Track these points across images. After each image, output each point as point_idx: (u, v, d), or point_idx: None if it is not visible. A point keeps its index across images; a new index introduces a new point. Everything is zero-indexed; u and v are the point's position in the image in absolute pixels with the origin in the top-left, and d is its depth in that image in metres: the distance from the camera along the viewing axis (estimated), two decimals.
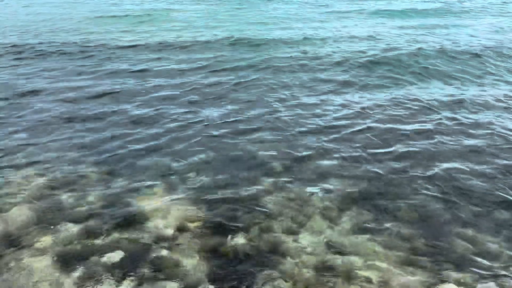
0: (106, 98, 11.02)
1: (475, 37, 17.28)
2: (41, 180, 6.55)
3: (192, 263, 4.86)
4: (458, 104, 10.23)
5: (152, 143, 8.08)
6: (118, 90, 11.48)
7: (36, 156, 7.34)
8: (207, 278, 4.62)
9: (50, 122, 9.04)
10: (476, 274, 4.76)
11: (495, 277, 4.73)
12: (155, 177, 6.77)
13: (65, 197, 6.10)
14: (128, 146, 7.94)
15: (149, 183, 6.58)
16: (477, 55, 14.22)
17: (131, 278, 4.58)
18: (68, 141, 8.10)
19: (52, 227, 5.41)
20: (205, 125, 9.08)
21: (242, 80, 12.15)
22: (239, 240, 5.29)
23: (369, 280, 4.62)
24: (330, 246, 5.22)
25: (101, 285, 4.46)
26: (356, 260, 4.96)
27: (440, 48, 14.97)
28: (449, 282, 4.62)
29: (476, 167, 7.22)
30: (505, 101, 10.47)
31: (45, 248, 5.01)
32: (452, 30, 18.92)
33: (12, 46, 14.79)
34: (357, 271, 4.77)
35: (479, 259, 5.01)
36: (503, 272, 4.80)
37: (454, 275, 4.74)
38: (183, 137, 8.39)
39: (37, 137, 8.24)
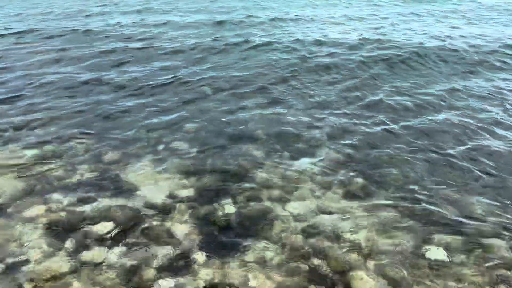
0: (93, 66, 10.91)
1: None
2: (30, 152, 6.51)
3: (182, 231, 4.90)
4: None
5: (141, 114, 8.05)
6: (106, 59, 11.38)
7: (23, 129, 7.29)
8: (197, 246, 4.66)
9: (35, 94, 8.95)
10: (462, 237, 4.86)
11: (480, 239, 4.83)
12: (145, 147, 6.77)
13: (54, 168, 6.08)
14: (117, 117, 7.90)
15: (138, 154, 6.57)
16: None
17: (122, 246, 4.60)
18: (55, 112, 8.03)
19: (42, 197, 5.41)
20: (195, 96, 9.03)
21: (238, 56, 12.09)
22: (229, 208, 5.32)
23: (356, 244, 4.70)
24: (318, 212, 5.27)
25: (92, 253, 4.49)
26: (344, 225, 5.03)
27: None
28: (435, 245, 4.72)
29: (463, 138, 7.33)
30: None
31: (36, 218, 5.00)
32: None
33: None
34: (344, 235, 4.84)
35: (465, 223, 5.11)
36: (489, 235, 4.91)
37: (440, 238, 4.83)
38: (172, 108, 8.35)
39: (23, 110, 8.16)
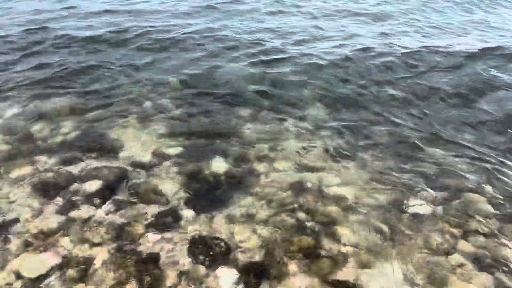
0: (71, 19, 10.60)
1: None
2: (13, 112, 6.43)
3: (170, 188, 4.94)
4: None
5: (127, 70, 7.91)
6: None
7: (6, 90, 7.16)
8: (185, 202, 4.71)
9: (17, 51, 8.74)
10: (445, 192, 4.99)
11: (462, 194, 4.97)
12: (130, 106, 6.69)
13: (39, 129, 6.03)
14: (101, 74, 7.77)
15: (123, 112, 6.52)
16: None
17: (110, 204, 4.62)
18: (38, 70, 7.88)
19: (28, 158, 5.39)
20: (181, 48, 8.90)
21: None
22: (216, 166, 5.36)
23: (341, 198, 4.80)
24: (305, 168, 5.34)
25: (80, 211, 4.53)
26: (330, 181, 5.11)
27: None
28: (418, 199, 4.85)
29: (452, 99, 7.40)
30: None
31: (23, 178, 4.99)
32: None
33: None
34: (330, 190, 4.93)
35: (447, 178, 5.23)
36: (470, 190, 5.05)
37: (424, 193, 4.97)
38: (158, 62, 8.23)
39: (5, 68, 7.99)
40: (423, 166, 5.45)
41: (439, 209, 4.72)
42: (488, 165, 5.47)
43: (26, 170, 5.18)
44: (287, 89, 7.39)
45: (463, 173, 5.32)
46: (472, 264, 4.00)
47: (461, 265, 3.98)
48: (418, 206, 4.73)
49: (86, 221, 4.39)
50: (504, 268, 3.96)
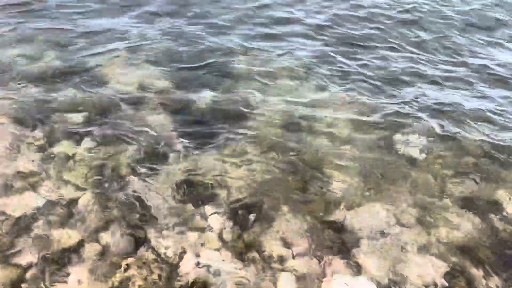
0: None
1: None
2: None
3: (158, 121, 4.72)
4: None
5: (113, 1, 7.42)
6: None
7: None
8: (173, 135, 4.53)
9: None
10: (439, 134, 4.88)
11: (456, 136, 4.90)
12: (116, 40, 6.23)
13: (20, 57, 5.67)
14: (87, 4, 7.28)
15: (108, 42, 6.12)
16: None
17: (93, 139, 4.39)
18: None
19: (5, 86, 5.10)
20: None
21: None
22: (206, 100, 5.15)
23: (333, 137, 4.68)
24: (296, 104, 5.14)
25: (62, 144, 4.33)
26: (322, 119, 4.95)
27: None
28: (412, 140, 4.76)
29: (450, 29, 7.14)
30: None
31: (2, 107, 4.76)
32: None
33: None
34: (322, 129, 4.78)
35: (443, 120, 5.12)
36: (464, 132, 4.97)
37: (417, 134, 4.85)
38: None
39: None
40: (419, 107, 5.32)
41: (432, 150, 4.64)
42: (484, 108, 5.37)
43: (4, 97, 4.90)
44: (281, 24, 7.04)
45: (459, 116, 5.21)
46: (461, 206, 3.99)
47: (450, 207, 3.97)
48: (410, 147, 4.64)
49: (68, 157, 4.17)
50: (494, 211, 3.96)
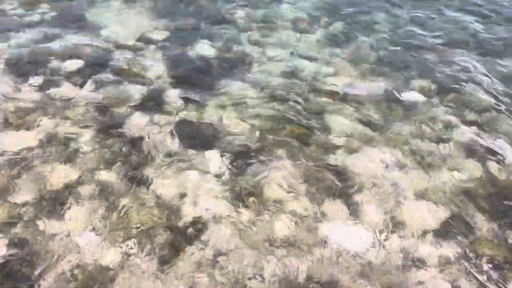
0: None
1: None
2: None
3: (155, 71, 4.62)
4: None
5: None
6: None
7: None
8: (171, 86, 4.45)
9: None
10: (439, 82, 4.82)
11: (460, 84, 4.81)
12: None
13: (13, 7, 5.55)
14: None
15: None
16: None
17: (92, 84, 4.31)
18: None
19: (2, 34, 5.00)
20: None
21: None
22: (205, 50, 5.03)
23: (334, 87, 4.60)
24: (298, 56, 5.03)
25: (61, 90, 4.27)
26: (323, 69, 4.84)
27: None
28: (412, 89, 4.69)
29: None
30: None
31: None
32: None
33: None
34: (323, 79, 4.70)
35: (443, 68, 5.02)
36: (464, 80, 4.89)
37: (418, 82, 4.79)
38: None
39: None
40: (421, 55, 5.22)
41: (435, 98, 4.57)
42: (489, 56, 5.26)
43: (2, 46, 4.81)
44: None
45: (462, 64, 5.11)
46: (462, 153, 3.96)
47: (450, 153, 3.93)
48: (413, 94, 4.56)
49: (67, 100, 4.15)
50: (493, 158, 3.93)
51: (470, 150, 3.98)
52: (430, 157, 3.88)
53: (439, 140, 4.06)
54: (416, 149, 3.95)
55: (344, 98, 4.51)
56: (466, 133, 4.17)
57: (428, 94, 4.63)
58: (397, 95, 4.57)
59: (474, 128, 4.23)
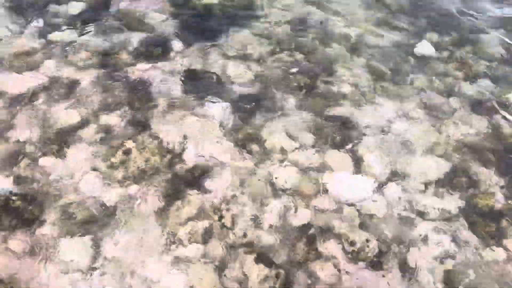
0: None
1: None
2: None
3: (158, 17, 4.51)
4: None
5: None
6: None
7: None
8: (175, 34, 4.31)
9: None
10: (452, 33, 4.69)
11: (471, 38, 4.68)
12: None
13: None
14: None
15: None
16: None
17: (94, 29, 4.21)
18: None
19: None
20: None
21: None
22: None
23: (345, 38, 4.45)
24: (308, 4, 4.90)
25: (62, 34, 4.16)
26: (333, 20, 4.72)
27: None
28: (426, 41, 4.54)
29: None
30: None
31: None
32: None
33: None
34: (334, 29, 4.56)
35: (457, 19, 4.89)
36: (481, 32, 4.74)
37: (432, 35, 4.64)
38: None
39: None
40: (435, 10, 5.05)
41: (445, 52, 4.46)
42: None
43: None
44: None
45: (481, 21, 4.94)
46: (471, 107, 3.89)
47: (459, 107, 3.87)
48: (424, 48, 4.44)
49: (69, 44, 4.05)
50: (502, 112, 3.86)
51: (479, 104, 3.91)
52: (439, 110, 3.82)
53: (449, 94, 3.98)
54: (425, 101, 3.88)
55: (354, 48, 4.38)
56: (476, 87, 4.08)
57: (441, 47, 4.50)
58: (410, 47, 4.44)
59: (485, 82, 4.14)
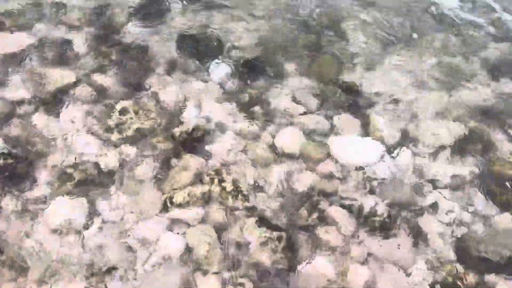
0: None
1: None
2: None
3: None
4: None
5: None
6: None
7: None
8: None
9: None
10: None
11: None
12: None
13: None
14: None
15: None
16: None
17: None
18: None
19: None
20: None
21: None
22: None
23: None
24: None
25: None
26: None
27: None
28: None
29: None
30: None
31: None
32: None
33: None
34: None
35: None
36: None
37: None
38: None
39: None
40: None
41: (467, 16, 4.23)
42: None
43: None
44: None
45: None
46: (488, 72, 3.70)
47: (476, 69, 3.68)
48: (444, 10, 4.20)
49: (62, 5, 3.87)
50: None
51: (496, 67, 3.71)
52: (453, 75, 3.62)
53: (466, 57, 3.77)
54: (439, 65, 3.69)
55: (368, 2, 4.16)
56: (492, 50, 3.87)
57: (459, 11, 4.27)
58: (426, 7, 4.21)
59: (502, 46, 3.93)
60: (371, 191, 2.82)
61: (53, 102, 3.01)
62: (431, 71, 3.64)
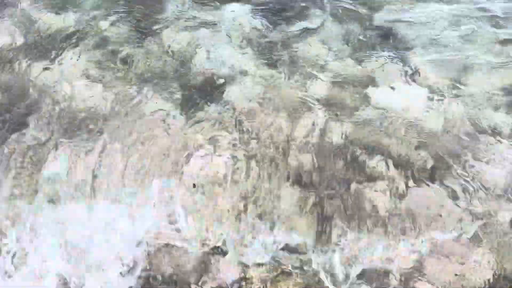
0: None
1: None
2: None
3: None
4: None
5: None
6: None
7: None
8: None
9: None
10: None
11: None
12: None
13: None
14: None
15: None
16: None
17: None
18: None
19: None
20: None
21: None
22: None
23: None
24: None
25: None
26: None
27: None
28: None
29: None
30: None
31: None
32: None
33: None
34: None
35: None
36: None
37: None
38: None
39: None
40: None
41: None
42: None
43: None
44: None
45: None
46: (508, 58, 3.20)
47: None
48: None
49: None
50: None
51: None
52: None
53: None
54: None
55: None
56: None
57: None
58: None
59: None
60: (417, 143, 2.43)
61: (49, 46, 2.68)
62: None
